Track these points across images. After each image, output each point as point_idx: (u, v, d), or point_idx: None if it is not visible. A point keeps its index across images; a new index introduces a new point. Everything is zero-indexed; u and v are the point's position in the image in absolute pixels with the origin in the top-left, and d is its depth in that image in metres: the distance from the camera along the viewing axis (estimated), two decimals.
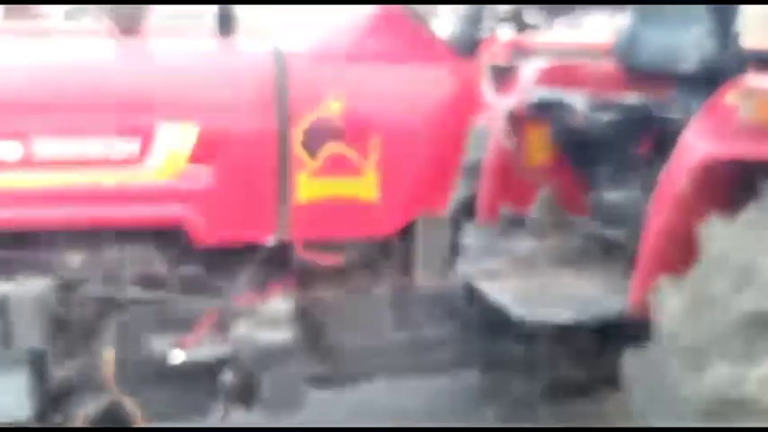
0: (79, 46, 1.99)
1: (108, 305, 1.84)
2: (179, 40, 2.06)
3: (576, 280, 2.21)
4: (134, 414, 1.89)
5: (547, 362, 2.17)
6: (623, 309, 1.94)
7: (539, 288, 2.16)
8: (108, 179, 1.70)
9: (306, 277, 2.08)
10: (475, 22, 2.02)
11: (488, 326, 2.21)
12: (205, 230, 1.78)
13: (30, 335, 1.71)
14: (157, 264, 1.85)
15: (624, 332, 2.16)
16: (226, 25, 2.10)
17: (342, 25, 2.04)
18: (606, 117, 2.25)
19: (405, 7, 1.96)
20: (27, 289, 1.69)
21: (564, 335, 2.10)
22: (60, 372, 1.88)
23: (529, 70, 2.82)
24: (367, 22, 1.98)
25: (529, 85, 2.71)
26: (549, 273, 2.25)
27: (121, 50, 1.94)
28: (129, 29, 2.05)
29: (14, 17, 4.04)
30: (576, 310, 1.99)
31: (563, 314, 1.96)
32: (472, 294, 2.16)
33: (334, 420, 3.03)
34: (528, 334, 2.15)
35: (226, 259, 1.97)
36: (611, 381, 2.38)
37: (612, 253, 2.30)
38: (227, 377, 2.04)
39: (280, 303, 2.00)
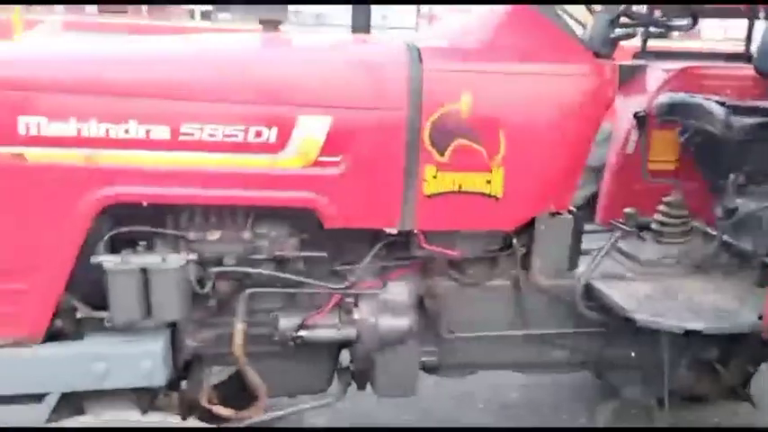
0: (227, 40, 2.12)
1: (241, 282, 1.95)
2: (317, 34, 2.14)
3: (703, 288, 2.15)
4: (259, 386, 1.99)
5: (667, 368, 2.11)
6: (755, 322, 1.87)
7: (663, 293, 2.11)
8: (248, 164, 1.79)
9: (426, 266, 2.13)
10: (611, 22, 2.00)
11: (606, 327, 2.20)
12: (335, 215, 1.85)
13: (169, 306, 1.84)
14: (288, 246, 1.94)
15: (751, 345, 2.09)
16: (361, 21, 2.17)
17: (474, 21, 2.06)
18: (745, 123, 2.17)
19: (541, 6, 1.97)
20: (169, 263, 1.81)
21: (688, 342, 2.05)
22: (192, 342, 2.01)
23: (657, 72, 2.75)
24: (500, 19, 2.00)
25: (657, 87, 2.65)
26: (674, 279, 2.20)
27: (265, 45, 2.04)
28: (270, 23, 2.16)
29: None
30: (704, 320, 1.94)
31: (690, 322, 1.92)
32: (591, 294, 2.15)
33: (436, 408, 3.09)
34: (650, 339, 2.12)
35: (352, 246, 2.05)
36: (734, 393, 2.31)
37: (742, 263, 2.22)
38: (348, 358, 2.13)
39: (399, 290, 2.07)
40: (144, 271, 1.80)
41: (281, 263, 1.96)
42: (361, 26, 2.27)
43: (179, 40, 2.15)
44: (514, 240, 2.08)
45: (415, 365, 2.12)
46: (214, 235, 1.91)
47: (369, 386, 2.22)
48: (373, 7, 2.52)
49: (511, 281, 2.16)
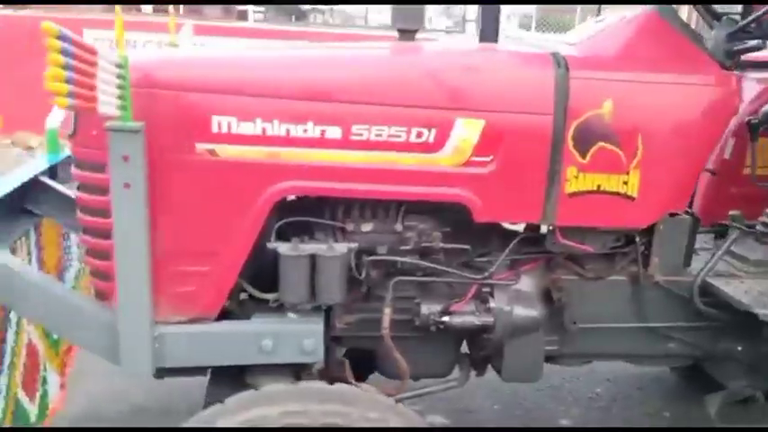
0: (382, 48, 2.31)
1: (388, 270, 2.13)
2: (463, 41, 2.32)
3: None
4: (403, 367, 2.16)
5: None
6: None
7: None
8: (408, 162, 1.97)
9: (549, 261, 2.30)
10: (731, 35, 2.15)
11: (716, 322, 2.34)
12: (483, 210, 2.02)
13: (333, 290, 2.02)
14: (434, 238, 2.12)
15: None
16: (490, 29, 2.34)
17: (606, 31, 2.22)
18: None
19: (670, 16, 2.13)
20: (335, 251, 2.00)
21: None
22: (338, 324, 2.20)
23: (752, 83, 2.88)
24: (632, 30, 2.15)
25: (758, 96, 2.78)
26: None
27: (423, 53, 2.22)
28: (409, 29, 2.33)
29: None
30: None
31: None
32: (707, 291, 2.29)
33: (528, 398, 3.25)
34: (757, 334, 2.26)
35: (486, 240, 2.22)
36: None
37: None
38: (478, 346, 2.30)
39: (530, 283, 2.24)
40: (312, 257, 1.99)
41: (423, 254, 2.15)
42: (489, 35, 2.44)
43: (337, 47, 2.35)
44: (636, 238, 2.24)
45: (541, 353, 2.29)
46: (368, 226, 2.10)
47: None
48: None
49: (628, 276, 2.32)
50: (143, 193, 1.83)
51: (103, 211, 1.95)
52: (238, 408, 1.72)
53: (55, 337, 2.75)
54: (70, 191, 2.62)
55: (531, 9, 12.67)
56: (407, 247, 2.12)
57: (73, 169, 2.01)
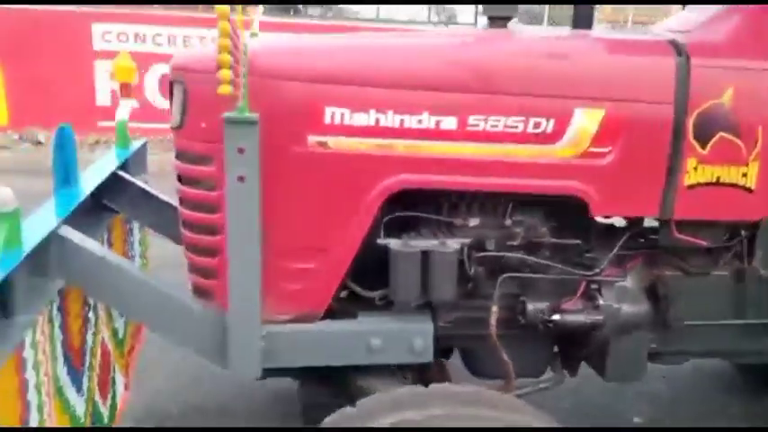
0: (496, 36, 2.23)
1: (497, 267, 2.06)
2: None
3: None
4: (508, 365, 2.09)
5: None
6: None
7: None
8: (524, 153, 1.90)
9: (652, 257, 2.22)
10: None
11: None
12: (601, 203, 1.95)
13: (445, 287, 1.95)
14: (541, 233, 2.05)
15: None
16: (584, 22, 2.28)
17: (718, 18, 2.14)
18: None
19: None
20: (448, 248, 1.92)
21: None
22: (440, 322, 2.12)
23: None
24: (749, 17, 2.08)
25: None
26: None
27: (534, 38, 2.15)
28: (502, 16, 2.26)
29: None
30: None
31: None
32: None
33: (593, 396, 3.18)
34: None
35: (594, 234, 2.15)
36: None
37: None
38: (577, 345, 2.23)
39: (637, 279, 2.17)
40: (424, 254, 1.92)
41: (529, 250, 2.07)
42: (585, 26, 2.37)
43: (442, 35, 2.27)
44: (742, 231, 2.18)
45: (646, 351, 2.22)
46: (475, 221, 2.02)
47: None
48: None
49: (731, 271, 2.25)
50: (257, 187, 1.75)
51: (210, 205, 1.88)
52: (378, 411, 1.64)
53: (120, 337, 2.67)
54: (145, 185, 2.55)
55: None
56: (514, 243, 2.04)
57: (176, 162, 1.93)
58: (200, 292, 1.96)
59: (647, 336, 2.20)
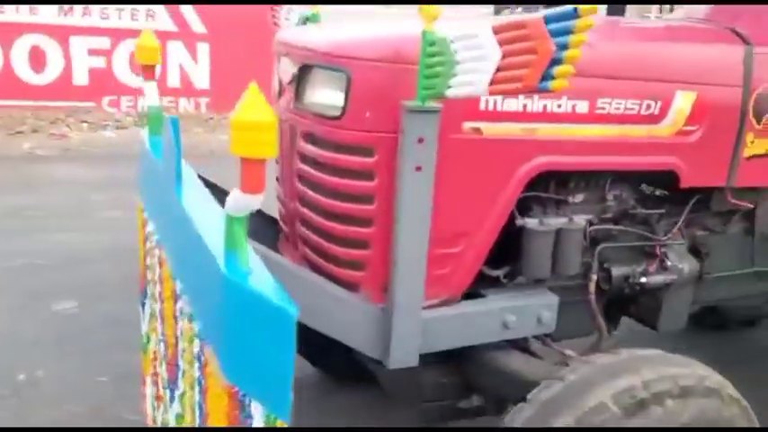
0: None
1: (600, 238, 2.23)
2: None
3: None
4: (603, 328, 2.28)
5: None
6: None
7: None
8: (636, 133, 2.08)
9: (692, 219, 2.52)
10: None
11: None
12: (688, 176, 2.19)
13: (572, 263, 2.09)
14: (634, 205, 2.25)
15: None
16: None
17: (755, 13, 2.45)
18: None
19: None
20: (576, 225, 2.06)
21: None
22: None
23: None
24: None
25: None
26: None
27: (640, 29, 2.30)
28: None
29: None
30: None
31: None
32: None
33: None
34: None
35: (666, 203, 2.39)
36: None
37: None
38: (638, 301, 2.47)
39: (689, 240, 2.46)
40: (557, 232, 2.04)
41: (618, 221, 2.27)
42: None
43: None
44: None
45: (688, 303, 2.52)
46: (580, 197, 2.18)
47: None
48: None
49: (740, 230, 2.62)
50: (432, 177, 1.75)
51: (365, 196, 1.83)
52: (596, 380, 1.72)
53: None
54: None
55: None
56: (609, 216, 2.23)
57: (325, 153, 1.84)
58: (345, 284, 1.91)
59: (690, 288, 2.50)
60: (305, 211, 1.98)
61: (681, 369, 1.77)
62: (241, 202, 1.37)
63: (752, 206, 2.45)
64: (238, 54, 8.30)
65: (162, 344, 2.17)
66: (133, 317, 2.58)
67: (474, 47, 1.49)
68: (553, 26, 1.32)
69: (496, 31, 1.44)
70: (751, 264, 2.65)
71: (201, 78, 8.85)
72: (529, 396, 1.76)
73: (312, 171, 1.92)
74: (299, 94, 1.94)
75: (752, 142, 2.28)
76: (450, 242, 1.93)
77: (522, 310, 2.06)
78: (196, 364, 1.67)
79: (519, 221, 2.00)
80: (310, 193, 1.94)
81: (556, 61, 1.33)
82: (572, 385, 1.72)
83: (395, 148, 1.75)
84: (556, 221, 2.04)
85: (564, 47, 1.31)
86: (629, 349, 1.85)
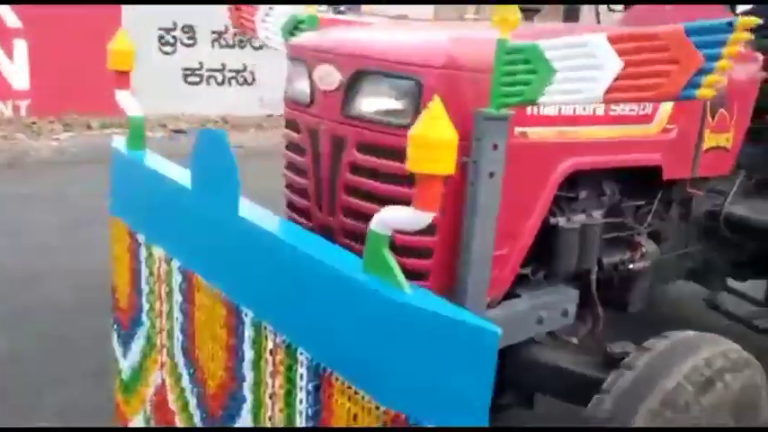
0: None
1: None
2: None
3: None
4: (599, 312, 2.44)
5: None
6: None
7: None
8: (635, 133, 2.25)
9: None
10: None
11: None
12: (668, 169, 2.42)
13: (591, 256, 2.26)
14: (623, 199, 2.44)
15: None
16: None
17: None
18: None
19: None
20: (596, 220, 2.25)
21: None
22: None
23: None
24: None
25: None
26: None
27: None
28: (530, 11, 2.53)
29: None
30: None
31: None
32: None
33: None
34: None
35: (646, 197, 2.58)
36: None
37: None
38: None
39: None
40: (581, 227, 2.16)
41: (608, 215, 2.44)
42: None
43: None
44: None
45: (649, 283, 2.75)
46: (583, 194, 2.31)
47: None
48: None
49: (679, 216, 2.90)
50: (500, 183, 1.79)
51: None
52: (664, 367, 1.83)
53: None
54: None
55: None
56: (604, 210, 2.39)
57: (389, 162, 1.80)
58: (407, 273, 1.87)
59: (651, 271, 2.75)
60: (357, 223, 1.91)
61: (725, 345, 1.96)
62: (414, 218, 1.32)
63: (701, 193, 2.75)
64: (60, 52, 7.65)
65: (188, 377, 1.99)
66: None
67: (582, 56, 1.54)
68: (699, 38, 1.41)
69: (614, 41, 1.51)
70: (685, 246, 2.97)
71: (20, 78, 7.97)
72: (604, 386, 1.86)
73: (369, 181, 1.86)
74: (349, 102, 1.87)
75: (708, 137, 2.56)
76: (500, 244, 1.96)
77: (553, 305, 2.16)
78: (300, 395, 1.58)
79: (553, 220, 2.09)
80: (365, 204, 1.88)
81: (703, 71, 1.42)
82: (644, 371, 1.84)
83: (464, 156, 1.76)
84: (579, 218, 2.16)
85: (714, 57, 1.41)
86: (673, 332, 2.00)
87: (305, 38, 2.13)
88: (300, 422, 1.57)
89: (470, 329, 1.26)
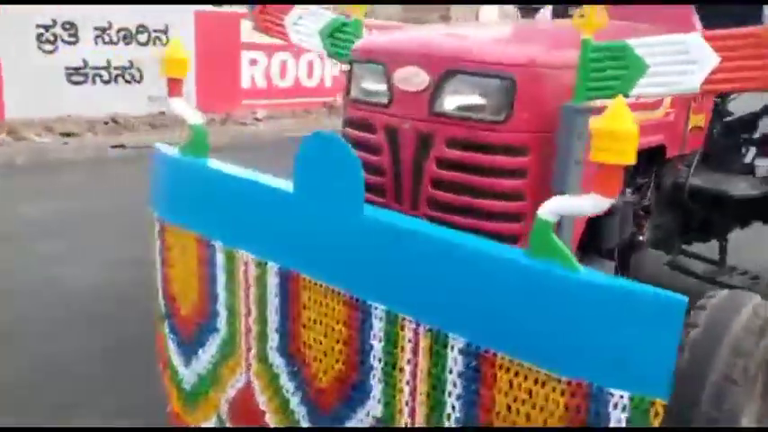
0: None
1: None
2: None
3: None
4: None
5: None
6: None
7: None
8: (652, 117, 2.51)
9: None
10: None
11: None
12: (671, 147, 2.70)
13: (627, 229, 2.50)
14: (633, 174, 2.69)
15: None
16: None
17: None
18: None
19: None
20: (630, 198, 2.47)
21: None
22: None
23: None
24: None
25: None
26: None
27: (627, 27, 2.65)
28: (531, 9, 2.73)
29: None
30: None
31: None
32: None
33: None
34: None
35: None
36: None
37: None
38: None
39: None
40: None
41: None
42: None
43: None
44: None
45: None
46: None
47: None
48: None
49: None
50: (582, 170, 1.97)
51: (516, 194, 1.99)
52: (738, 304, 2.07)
53: None
54: None
55: None
56: (630, 189, 2.64)
57: (481, 155, 1.92)
58: (502, 237, 1.99)
59: None
60: (444, 215, 2.01)
61: (757, 297, 2.25)
62: (595, 204, 1.46)
63: (688, 169, 3.07)
64: None
65: (288, 375, 2.02)
66: None
67: (677, 52, 1.74)
68: None
69: (710, 38, 1.71)
70: (660, 216, 3.31)
71: None
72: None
73: (458, 174, 1.97)
74: (438, 101, 1.97)
75: (691, 118, 2.88)
76: None
77: None
78: (452, 377, 1.67)
79: None
80: (453, 196, 1.99)
81: None
82: (710, 327, 2.08)
83: (546, 147, 1.92)
84: (621, 197, 2.38)
85: None
86: (712, 292, 2.27)
87: (376, 41, 2.19)
88: (451, 402, 1.67)
89: (661, 301, 1.39)
